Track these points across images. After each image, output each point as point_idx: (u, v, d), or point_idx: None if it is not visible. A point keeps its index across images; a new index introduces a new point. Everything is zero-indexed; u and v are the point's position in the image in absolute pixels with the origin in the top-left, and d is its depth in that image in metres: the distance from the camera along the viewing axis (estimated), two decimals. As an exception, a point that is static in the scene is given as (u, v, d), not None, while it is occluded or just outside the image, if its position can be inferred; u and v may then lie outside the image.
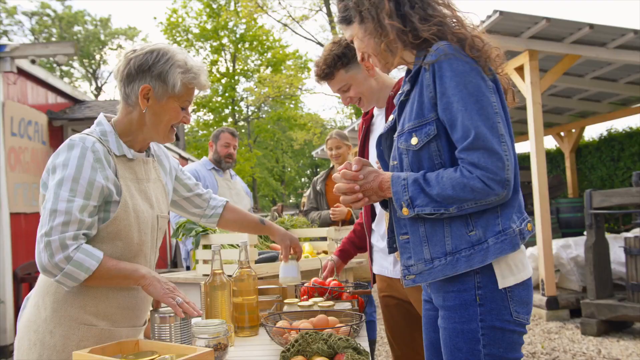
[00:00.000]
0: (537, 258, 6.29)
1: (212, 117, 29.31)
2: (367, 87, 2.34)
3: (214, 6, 26.96)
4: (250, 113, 31.92)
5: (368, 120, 2.49)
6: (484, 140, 1.39)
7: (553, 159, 11.36)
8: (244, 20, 24.33)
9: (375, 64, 1.67)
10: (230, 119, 29.35)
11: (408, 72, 1.70)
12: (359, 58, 1.70)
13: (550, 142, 11.64)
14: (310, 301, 2.15)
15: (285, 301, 2.22)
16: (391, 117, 1.70)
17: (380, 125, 2.40)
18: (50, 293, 1.61)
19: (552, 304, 6.14)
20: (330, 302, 2.12)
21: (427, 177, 1.48)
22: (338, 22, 1.71)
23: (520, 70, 6.39)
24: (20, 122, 6.25)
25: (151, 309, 1.69)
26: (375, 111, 2.47)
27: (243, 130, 31.26)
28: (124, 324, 1.68)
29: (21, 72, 6.32)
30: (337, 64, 2.29)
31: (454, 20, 1.55)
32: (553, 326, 5.84)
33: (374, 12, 1.56)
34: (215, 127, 26.74)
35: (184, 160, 13.87)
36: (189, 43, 27.96)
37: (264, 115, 31.97)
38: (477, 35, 1.50)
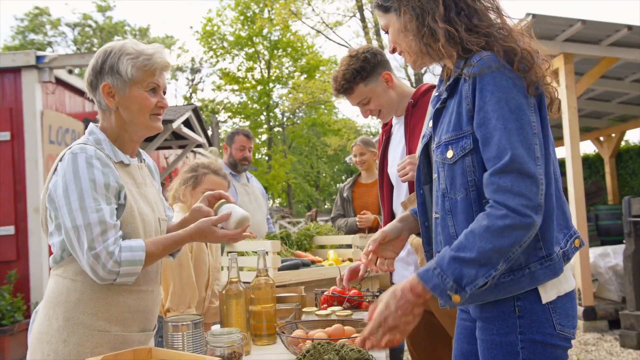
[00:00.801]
0: (573, 267, 6.11)
1: (247, 123, 29.63)
2: (387, 99, 2.31)
3: (249, 14, 27.31)
4: (285, 119, 32.13)
5: (387, 131, 2.46)
6: (520, 162, 1.30)
7: (592, 165, 11.04)
8: (278, 27, 24.53)
9: (406, 59, 1.61)
10: (265, 126, 29.61)
11: (440, 78, 1.65)
12: (390, 49, 1.63)
13: (589, 147, 11.34)
14: (329, 310, 2.13)
15: (304, 309, 2.21)
16: (430, 123, 1.61)
17: (398, 134, 2.36)
18: (60, 303, 1.61)
19: (590, 314, 5.94)
20: (349, 312, 2.10)
21: (457, 245, 1.35)
22: (375, 6, 1.63)
23: (554, 74, 6.22)
24: (58, 130, 6.43)
25: (164, 317, 1.71)
26: (394, 120, 2.44)
27: (279, 137, 31.47)
28: (135, 328, 1.69)
29: (59, 82, 6.50)
30: (356, 78, 2.26)
31: (503, 30, 1.45)
32: (590, 337, 5.65)
33: (419, 10, 1.48)
34: (251, 134, 26.99)
35: (218, 167, 14.01)
36: (225, 50, 28.40)
37: (298, 121, 32.12)
38: (527, 49, 1.41)
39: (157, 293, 1.81)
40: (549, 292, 1.39)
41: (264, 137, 30.56)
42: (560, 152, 10.85)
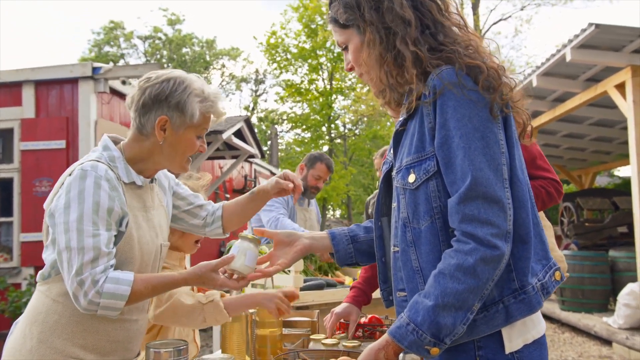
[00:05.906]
0: (638, 295, 5.64)
1: (309, 135, 29.77)
2: None
3: (313, 26, 27.52)
4: (346, 131, 32.06)
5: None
6: (485, 185, 1.17)
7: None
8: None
9: (366, 80, 1.44)
10: (326, 137, 29.63)
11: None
12: (346, 67, 1.45)
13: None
14: (336, 339, 1.99)
15: (312, 337, 2.07)
16: (391, 151, 1.47)
17: None
18: (37, 322, 1.55)
19: (656, 348, 5.46)
20: (356, 342, 1.95)
21: (428, 291, 1.20)
22: (331, 20, 1.43)
23: (621, 87, 5.84)
24: (112, 139, 6.61)
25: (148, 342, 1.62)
26: None
27: (340, 148, 31.45)
28: (113, 357, 1.61)
29: (114, 92, 6.70)
30: None
31: (470, 47, 1.30)
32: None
33: (384, 32, 1.31)
34: (312, 145, 27.13)
35: (274, 177, 14.10)
36: (288, 62, 28.70)
37: (359, 133, 32.00)
38: (495, 67, 1.26)
39: (142, 322, 1.71)
40: (514, 341, 1.23)
41: (325, 148, 30.60)
42: (627, 171, 10.14)
